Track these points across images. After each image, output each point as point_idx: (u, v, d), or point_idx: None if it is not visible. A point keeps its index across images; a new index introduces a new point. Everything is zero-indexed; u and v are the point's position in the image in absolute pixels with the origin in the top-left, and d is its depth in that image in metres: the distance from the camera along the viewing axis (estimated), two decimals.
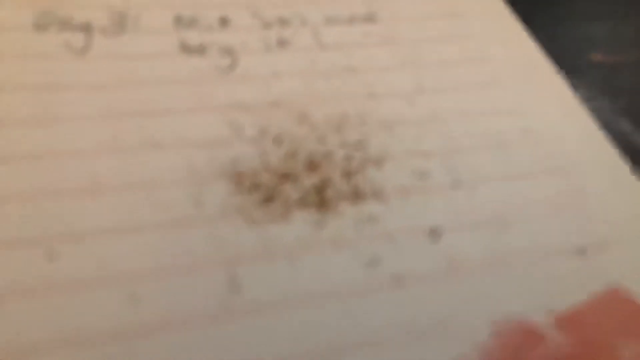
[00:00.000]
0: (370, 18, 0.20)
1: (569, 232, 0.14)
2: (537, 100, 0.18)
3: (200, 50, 0.18)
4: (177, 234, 0.13)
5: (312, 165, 0.15)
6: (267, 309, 0.12)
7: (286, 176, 0.15)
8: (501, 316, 0.13)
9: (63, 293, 0.12)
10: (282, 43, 0.18)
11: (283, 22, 0.19)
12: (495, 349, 0.12)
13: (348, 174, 0.15)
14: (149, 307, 0.12)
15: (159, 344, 0.11)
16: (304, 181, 0.15)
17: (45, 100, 0.15)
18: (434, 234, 0.14)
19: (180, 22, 0.18)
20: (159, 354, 0.11)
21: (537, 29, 0.20)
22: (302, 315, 0.12)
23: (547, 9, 0.22)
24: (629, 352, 0.12)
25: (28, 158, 0.14)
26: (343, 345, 0.12)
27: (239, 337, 0.12)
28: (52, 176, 0.14)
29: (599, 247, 0.14)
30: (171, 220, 0.13)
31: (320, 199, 0.14)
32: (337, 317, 0.12)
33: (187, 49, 0.18)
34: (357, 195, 0.15)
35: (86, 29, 0.17)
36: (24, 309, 0.11)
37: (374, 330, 0.12)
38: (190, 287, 0.12)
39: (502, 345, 0.12)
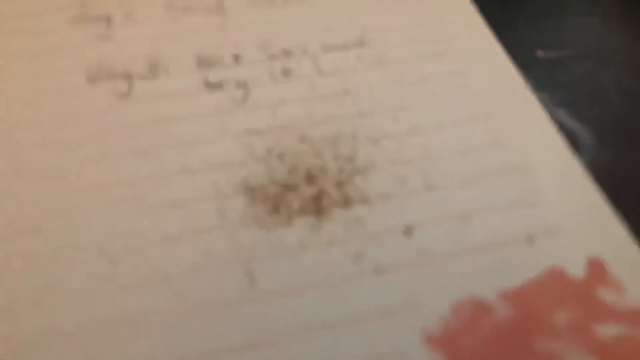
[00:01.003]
0: (361, 42, 0.23)
1: (521, 223, 0.17)
2: (504, 108, 0.21)
3: (219, 85, 0.21)
4: (207, 239, 0.17)
5: (310, 178, 0.19)
6: (276, 296, 0.16)
7: (289, 187, 0.18)
8: (459, 296, 0.16)
9: (119, 293, 0.16)
10: (286, 72, 0.22)
11: (286, 53, 0.23)
12: (452, 321, 0.15)
13: (340, 184, 0.19)
14: (188, 298, 0.16)
15: (196, 325, 0.15)
16: (303, 192, 0.18)
17: (99, 138, 0.19)
18: (408, 230, 0.17)
19: (201, 63, 0.22)
20: (197, 332, 0.15)
21: (493, 27, 0.23)
22: (304, 300, 0.16)
23: (501, 9, 0.24)
24: (563, 319, 0.15)
25: (91, 187, 0.18)
26: (335, 322, 0.16)
27: (257, 317, 0.16)
28: (108, 199, 0.18)
29: (546, 236, 0.17)
30: (201, 229, 0.17)
31: (317, 207, 0.18)
32: (330, 300, 0.16)
33: (209, 85, 0.21)
34: (347, 202, 0.18)
35: (128, 76, 0.21)
36: (94, 301, 0.16)
37: (358, 310, 0.16)
38: (218, 281, 0.16)
39: (458, 318, 0.15)
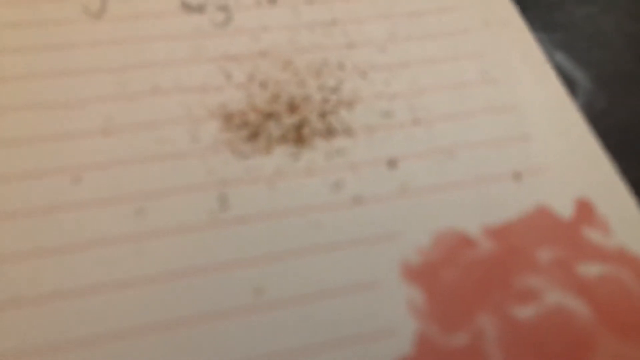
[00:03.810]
0: None
1: (509, 160, 0.17)
2: (499, 46, 0.20)
3: (199, 8, 0.20)
4: (177, 163, 0.16)
5: (292, 107, 0.18)
6: (249, 221, 0.15)
7: (270, 116, 0.17)
8: (442, 229, 0.15)
9: (84, 209, 0.15)
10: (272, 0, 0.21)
11: None
12: (432, 253, 0.15)
13: (323, 114, 0.18)
14: (153, 219, 0.15)
15: (162, 246, 0.15)
16: (285, 120, 0.17)
17: (65, 56, 0.18)
18: (392, 163, 0.17)
19: None
20: (163, 254, 0.14)
21: None
22: (278, 226, 0.15)
23: None
24: (546, 256, 0.15)
25: (53, 105, 0.17)
26: (311, 249, 0.15)
27: (225, 241, 0.15)
28: (72, 119, 0.17)
29: (534, 174, 0.16)
30: (171, 153, 0.16)
31: (298, 136, 0.17)
32: (306, 227, 0.15)
33: (188, 7, 0.20)
34: (329, 132, 0.17)
35: None
36: (51, 220, 0.15)
37: (336, 239, 0.15)
38: (186, 203, 0.15)
39: (438, 250, 0.15)
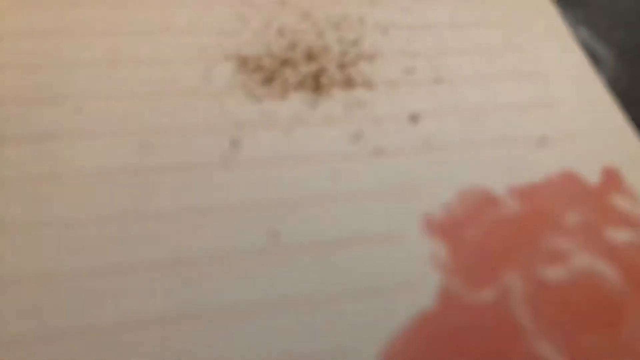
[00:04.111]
0: None
1: (534, 124, 0.16)
2: (523, 17, 0.19)
3: None
4: (187, 101, 0.15)
5: (310, 56, 0.17)
6: (262, 165, 0.14)
7: (286, 62, 0.16)
8: (466, 185, 0.14)
9: (86, 138, 0.14)
10: None
11: None
12: (456, 209, 0.14)
13: (342, 66, 0.17)
14: (159, 154, 0.14)
15: (167, 182, 0.13)
16: (302, 68, 0.16)
17: None
18: (414, 118, 0.16)
19: None
20: (168, 189, 0.13)
21: None
22: (293, 172, 0.14)
23: None
24: (573, 219, 0.14)
25: (57, 33, 0.16)
26: (327, 197, 0.14)
27: (237, 183, 0.14)
28: (81, 49, 0.15)
29: (560, 139, 0.16)
30: (182, 90, 0.15)
31: (315, 84, 0.16)
32: (323, 175, 0.14)
33: None
34: (348, 83, 0.16)
35: None
36: (51, 147, 0.13)
37: (355, 188, 0.14)
38: (196, 141, 0.14)
39: (463, 206, 0.14)
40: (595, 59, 0.19)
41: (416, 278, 0.13)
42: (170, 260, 0.12)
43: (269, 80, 0.16)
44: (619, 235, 0.14)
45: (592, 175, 0.15)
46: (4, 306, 0.11)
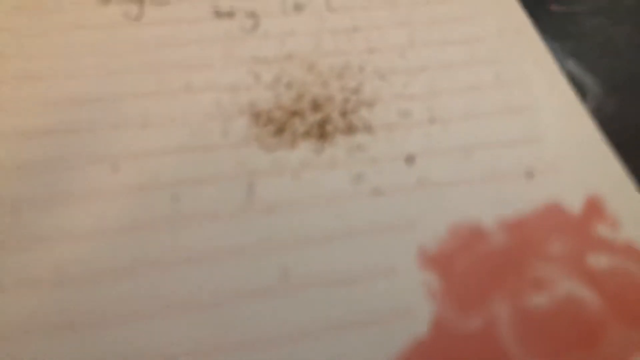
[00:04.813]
0: None
1: (522, 158, 0.17)
2: (513, 53, 0.21)
3: (229, 14, 0.21)
4: (209, 155, 0.17)
5: (316, 106, 0.19)
6: (275, 209, 0.16)
7: (295, 113, 0.18)
8: (457, 220, 0.16)
9: (124, 195, 0.16)
10: (297, 7, 0.22)
11: None
12: (448, 242, 0.16)
13: (344, 113, 0.19)
14: (188, 204, 0.16)
15: (196, 230, 0.16)
16: (308, 118, 0.18)
17: (109, 56, 0.19)
18: (410, 159, 0.17)
19: None
20: (198, 238, 0.15)
21: None
22: (302, 214, 0.16)
23: None
24: (557, 248, 0.16)
25: (95, 101, 0.18)
26: (332, 235, 0.16)
27: (253, 227, 0.16)
28: (114, 113, 0.18)
29: (546, 172, 0.17)
30: (204, 145, 0.17)
31: (321, 132, 0.18)
32: (328, 216, 0.16)
33: (219, 13, 0.21)
34: (350, 129, 0.18)
35: (139, 0, 0.21)
36: (93, 205, 0.16)
37: (356, 227, 0.16)
38: (217, 191, 0.16)
39: (454, 239, 0.16)
40: (582, 88, 0.20)
41: (411, 308, 0.14)
42: (197, 301, 0.14)
43: (280, 131, 0.18)
44: (600, 261, 0.15)
45: (576, 204, 0.17)
46: (21, 355, 0.13)
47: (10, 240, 0.15)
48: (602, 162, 0.18)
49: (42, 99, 0.18)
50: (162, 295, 0.14)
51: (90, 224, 0.15)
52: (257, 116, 0.18)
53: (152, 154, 0.17)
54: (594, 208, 0.16)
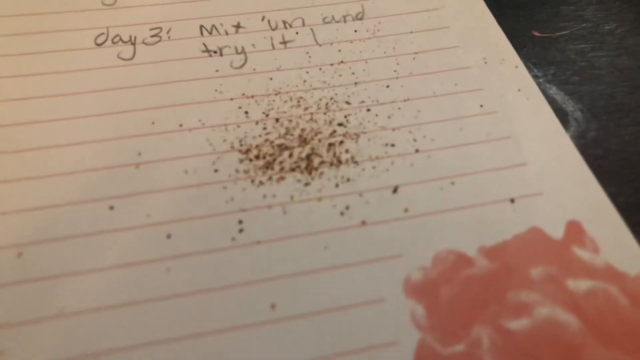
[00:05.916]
0: (360, 16, 0.24)
1: (505, 186, 0.18)
2: (496, 82, 0.21)
3: (218, 51, 0.22)
4: (201, 191, 0.18)
5: (303, 140, 0.19)
6: (265, 243, 0.17)
7: (283, 148, 0.19)
8: (442, 249, 0.17)
9: (119, 233, 0.17)
10: (285, 42, 0.23)
11: (287, 24, 0.23)
12: (432, 271, 0.16)
13: (331, 146, 0.19)
14: (181, 241, 0.17)
15: (188, 266, 0.16)
16: (296, 151, 0.19)
17: (102, 97, 0.20)
18: (394, 189, 0.18)
19: (203, 30, 0.23)
20: (189, 273, 0.16)
21: (492, 9, 0.24)
22: (291, 247, 0.17)
23: None
24: (538, 273, 0.16)
25: (91, 141, 0.19)
26: (320, 269, 0.16)
27: (244, 262, 0.16)
28: (107, 154, 0.19)
29: (528, 198, 0.18)
30: (197, 182, 0.18)
31: (308, 165, 0.19)
32: (316, 249, 0.17)
33: (208, 51, 0.22)
34: (337, 162, 0.19)
35: (132, 42, 0.22)
36: (91, 243, 0.16)
37: (344, 259, 0.16)
38: (209, 228, 0.17)
39: (438, 268, 0.16)
40: (564, 114, 0.21)
41: (398, 336, 0.15)
42: (190, 334, 0.15)
43: (268, 166, 0.19)
44: (580, 285, 0.16)
45: (557, 229, 0.17)
46: None
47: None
48: (584, 187, 0.18)
49: (35, 142, 0.19)
50: (156, 328, 0.15)
51: (89, 262, 0.16)
52: (247, 151, 0.19)
53: (147, 194, 0.18)
54: (575, 232, 0.17)
